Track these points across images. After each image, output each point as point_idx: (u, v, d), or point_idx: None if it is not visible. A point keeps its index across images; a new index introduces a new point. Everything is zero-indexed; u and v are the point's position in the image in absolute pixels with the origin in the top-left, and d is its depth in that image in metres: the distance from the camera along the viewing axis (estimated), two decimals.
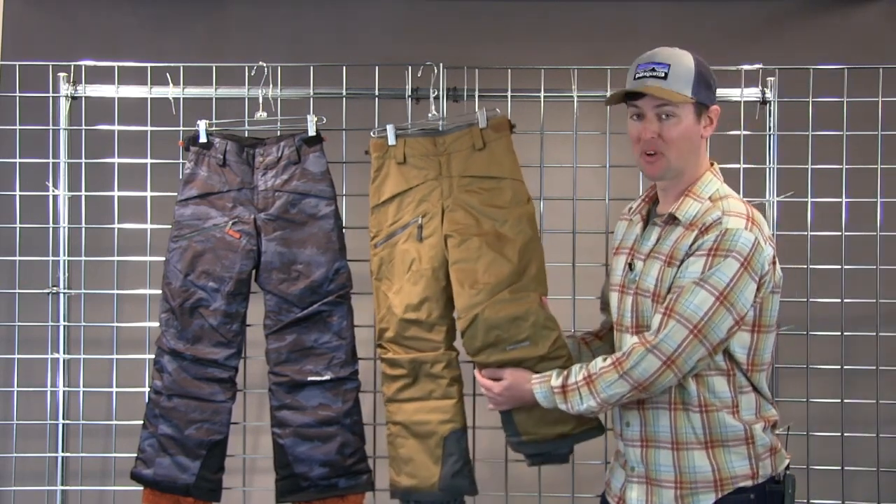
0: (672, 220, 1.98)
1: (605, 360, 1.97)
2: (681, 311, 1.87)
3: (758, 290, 1.90)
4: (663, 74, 1.95)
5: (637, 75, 1.97)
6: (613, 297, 2.11)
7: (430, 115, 2.53)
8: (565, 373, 2.04)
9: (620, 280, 2.08)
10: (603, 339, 2.28)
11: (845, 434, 2.71)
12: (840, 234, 2.72)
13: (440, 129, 2.50)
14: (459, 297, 2.30)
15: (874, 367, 2.72)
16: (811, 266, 2.71)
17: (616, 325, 2.10)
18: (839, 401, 2.72)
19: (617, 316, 2.09)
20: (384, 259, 2.40)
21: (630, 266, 2.05)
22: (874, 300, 2.72)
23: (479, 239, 2.31)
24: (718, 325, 1.86)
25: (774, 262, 1.95)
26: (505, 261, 2.29)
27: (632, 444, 2.04)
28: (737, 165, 2.68)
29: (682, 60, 1.96)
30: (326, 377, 2.38)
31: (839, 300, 2.72)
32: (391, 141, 2.41)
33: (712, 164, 2.04)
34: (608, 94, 2.63)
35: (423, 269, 2.35)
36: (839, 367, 2.72)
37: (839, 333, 2.72)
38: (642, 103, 1.97)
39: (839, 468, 2.72)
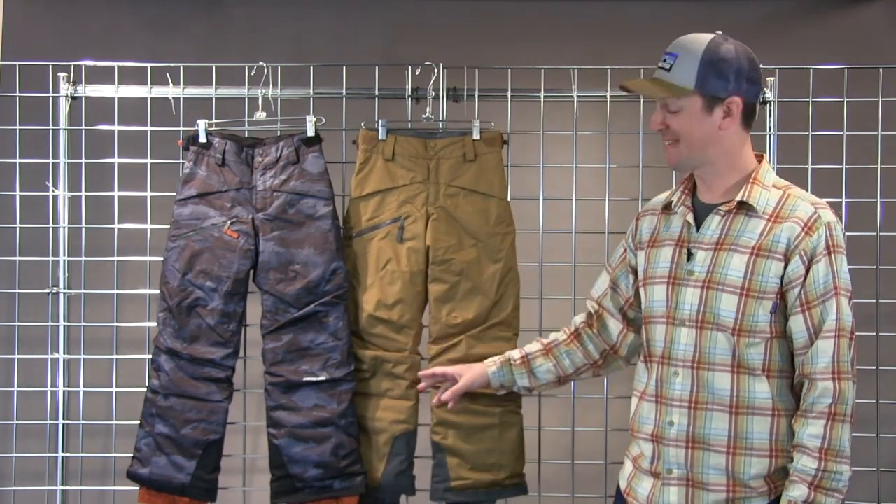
0: (742, 207, 1.89)
1: (808, 425, 1.81)
2: (843, 327, 1.81)
3: None
4: (668, 66, 1.89)
5: (658, 65, 1.93)
6: (656, 290, 1.96)
7: (423, 116, 2.53)
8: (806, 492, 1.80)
9: (670, 271, 1.95)
10: (554, 352, 2.22)
11: None
12: None
13: (440, 129, 2.51)
14: (435, 323, 2.39)
15: (874, 367, 2.72)
16: None
17: (659, 318, 1.96)
18: None
19: (666, 308, 1.94)
20: (357, 253, 2.41)
21: (689, 254, 1.92)
22: (874, 300, 2.72)
23: (461, 263, 2.38)
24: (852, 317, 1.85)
25: None
26: (482, 295, 2.37)
27: (674, 444, 1.90)
28: None
29: (692, 49, 1.87)
30: (322, 378, 2.37)
31: None
32: (381, 136, 2.42)
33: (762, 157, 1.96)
34: (608, 94, 2.64)
35: (401, 272, 2.38)
36: None
37: None
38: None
39: None
